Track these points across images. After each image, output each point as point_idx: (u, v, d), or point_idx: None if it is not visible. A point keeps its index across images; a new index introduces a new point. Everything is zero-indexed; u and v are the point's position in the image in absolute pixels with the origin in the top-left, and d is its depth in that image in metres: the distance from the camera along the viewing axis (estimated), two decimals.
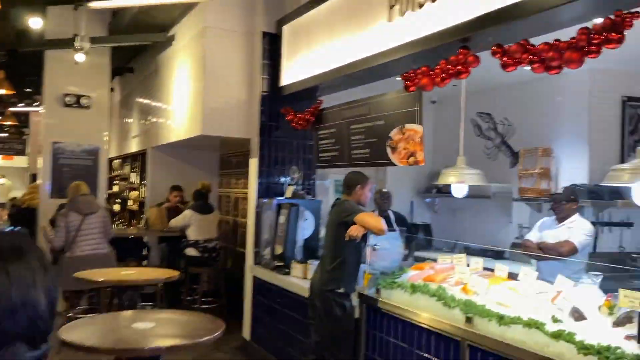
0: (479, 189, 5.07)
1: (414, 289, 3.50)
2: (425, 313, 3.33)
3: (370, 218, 3.72)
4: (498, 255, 5.75)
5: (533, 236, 4.74)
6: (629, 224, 5.58)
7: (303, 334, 4.53)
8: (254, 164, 5.82)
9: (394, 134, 4.10)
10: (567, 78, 5.67)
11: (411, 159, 3.95)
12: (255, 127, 5.77)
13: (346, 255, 3.83)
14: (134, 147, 9.40)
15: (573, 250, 4.33)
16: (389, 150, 4.17)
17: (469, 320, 3.02)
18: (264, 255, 5.53)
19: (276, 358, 5.14)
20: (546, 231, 4.66)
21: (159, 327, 3.17)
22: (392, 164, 4.15)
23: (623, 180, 2.61)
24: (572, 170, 5.74)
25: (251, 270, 5.78)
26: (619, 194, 5.33)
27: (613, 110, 5.69)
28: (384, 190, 5.93)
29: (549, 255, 4.39)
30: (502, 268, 3.53)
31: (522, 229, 6.21)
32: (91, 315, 5.21)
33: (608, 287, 3.07)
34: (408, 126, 3.97)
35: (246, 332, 5.88)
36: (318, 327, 3.93)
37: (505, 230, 6.53)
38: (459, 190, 3.90)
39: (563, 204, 4.57)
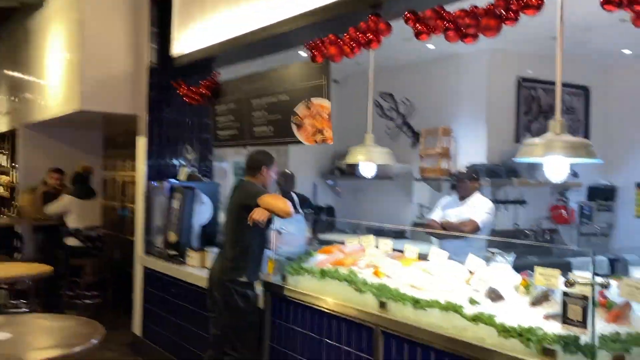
0: (381, 170, 4.96)
1: (323, 274, 3.29)
2: (336, 299, 3.12)
3: (276, 200, 3.44)
4: (399, 235, 5.73)
5: (436, 215, 4.75)
6: (522, 202, 5.78)
7: (201, 328, 4.18)
8: (142, 143, 5.32)
9: (300, 109, 3.81)
10: (466, 58, 5.73)
11: (319, 137, 3.69)
12: (143, 102, 5.26)
13: (249, 241, 3.52)
14: (2, 126, 8.43)
15: (476, 229, 4.38)
16: (294, 127, 3.87)
17: (382, 305, 2.86)
18: (156, 244, 5.06)
19: (171, 355, 4.74)
20: (449, 210, 4.69)
21: (18, 338, 2.63)
22: (299, 142, 3.86)
23: (537, 154, 2.51)
24: (470, 149, 5.81)
25: (141, 261, 5.31)
26: (515, 173, 5.49)
27: (509, 91, 5.81)
28: (287, 171, 5.64)
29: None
30: (411, 249, 3.42)
31: (423, 208, 6.25)
32: None
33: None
34: (315, 100, 3.71)
35: (137, 328, 5.40)
36: (218, 319, 3.63)
37: (406, 210, 6.55)
38: (368, 169, 3.69)
39: (466, 182, 4.61)
